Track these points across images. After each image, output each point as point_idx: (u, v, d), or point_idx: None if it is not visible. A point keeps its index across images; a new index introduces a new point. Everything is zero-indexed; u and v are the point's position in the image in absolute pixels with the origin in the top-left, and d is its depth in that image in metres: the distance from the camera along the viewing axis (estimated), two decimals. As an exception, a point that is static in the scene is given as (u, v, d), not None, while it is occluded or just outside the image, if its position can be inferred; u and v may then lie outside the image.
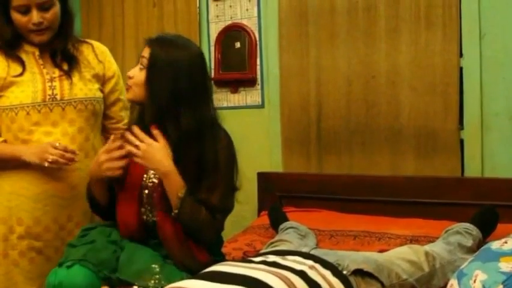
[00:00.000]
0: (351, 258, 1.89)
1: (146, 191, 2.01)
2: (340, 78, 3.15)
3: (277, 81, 3.33)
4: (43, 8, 2.13)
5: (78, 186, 2.23)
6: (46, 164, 2.08)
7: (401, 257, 2.02)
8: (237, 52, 3.44)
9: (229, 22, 3.47)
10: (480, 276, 1.69)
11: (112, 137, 2.02)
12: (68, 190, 2.23)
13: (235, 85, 3.48)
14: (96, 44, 2.41)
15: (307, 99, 3.24)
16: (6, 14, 2.15)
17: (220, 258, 2.04)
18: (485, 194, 2.71)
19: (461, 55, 2.89)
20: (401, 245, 2.38)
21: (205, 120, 1.94)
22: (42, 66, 2.22)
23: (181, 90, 1.90)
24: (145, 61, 1.95)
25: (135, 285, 1.81)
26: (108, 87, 2.37)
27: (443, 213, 2.73)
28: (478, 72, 2.84)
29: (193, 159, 1.92)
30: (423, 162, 2.98)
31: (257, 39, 3.40)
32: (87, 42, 2.38)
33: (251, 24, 3.41)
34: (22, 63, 2.20)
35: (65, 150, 2.10)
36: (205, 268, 1.72)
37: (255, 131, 3.42)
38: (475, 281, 1.69)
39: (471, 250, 2.19)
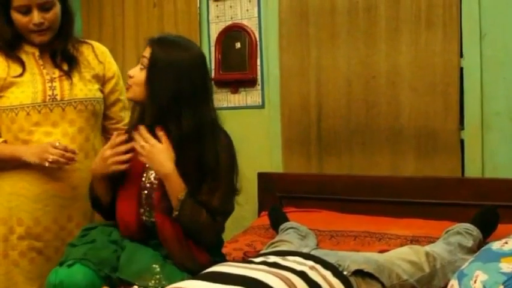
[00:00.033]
0: (351, 259, 1.89)
1: (145, 192, 2.02)
2: (341, 78, 3.15)
3: (278, 81, 3.32)
4: (44, 8, 2.13)
5: (78, 186, 2.24)
6: (46, 164, 2.08)
7: (401, 258, 2.02)
8: (237, 52, 3.43)
9: (230, 22, 3.47)
10: (481, 276, 1.69)
11: (116, 133, 2.04)
12: (68, 190, 2.23)
13: (235, 85, 3.47)
14: (96, 44, 2.41)
15: (307, 100, 3.24)
16: (6, 15, 2.15)
17: (221, 258, 2.04)
18: (485, 194, 2.71)
19: (461, 55, 2.89)
20: (401, 245, 2.38)
21: (205, 121, 1.94)
22: (42, 67, 2.22)
23: (182, 90, 1.90)
24: (146, 61, 1.95)
25: (136, 285, 1.81)
26: (108, 88, 2.37)
27: (443, 214, 2.73)
28: (479, 72, 2.84)
29: (194, 160, 1.92)
30: (423, 162, 2.97)
31: (257, 39, 3.39)
32: (87, 43, 2.38)
33: (251, 24, 3.41)
34: (22, 64, 2.20)
35: (65, 149, 2.10)
36: (205, 269, 1.72)
37: (255, 131, 3.42)
38: (475, 282, 1.69)
39: (471, 250, 2.19)
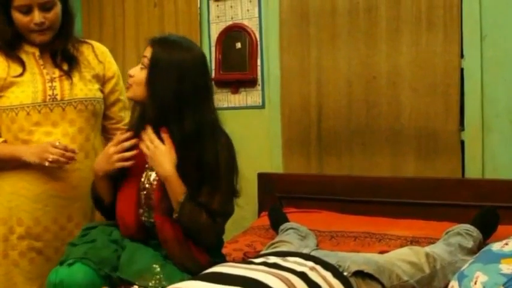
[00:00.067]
0: (351, 260, 1.89)
1: (144, 192, 2.02)
2: (341, 79, 3.15)
3: (278, 81, 3.32)
4: (45, 8, 2.13)
5: (78, 186, 2.24)
6: (47, 164, 2.08)
7: (402, 258, 2.02)
8: (238, 52, 3.43)
9: (230, 22, 3.47)
10: (481, 277, 1.69)
11: (119, 132, 2.07)
12: (68, 190, 2.23)
13: (235, 85, 3.47)
14: (96, 44, 2.41)
15: (307, 100, 3.24)
16: (6, 14, 2.15)
17: (221, 259, 2.04)
18: (485, 195, 2.71)
19: (462, 56, 2.89)
20: (401, 246, 2.38)
21: (206, 122, 1.94)
22: (42, 67, 2.22)
23: (183, 91, 1.90)
24: (146, 61, 1.95)
25: (136, 284, 1.81)
26: (108, 88, 2.37)
27: (443, 215, 2.73)
28: (479, 73, 2.84)
29: (194, 161, 1.92)
30: (424, 163, 2.97)
31: (258, 39, 3.39)
32: (87, 43, 2.38)
33: (252, 24, 3.41)
34: (22, 64, 2.20)
35: (65, 149, 2.10)
36: (205, 269, 1.72)
37: (255, 131, 3.42)
38: (475, 283, 1.69)
39: (472, 251, 2.19)
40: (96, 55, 2.36)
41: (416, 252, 2.08)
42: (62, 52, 2.25)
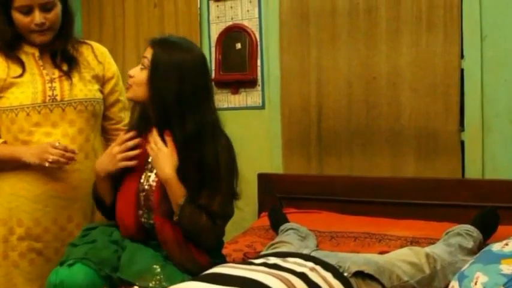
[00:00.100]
0: (351, 260, 1.89)
1: (143, 194, 2.02)
2: (341, 79, 3.15)
3: (278, 82, 3.32)
4: (45, 8, 2.13)
5: (78, 187, 2.23)
6: (47, 164, 2.08)
7: (402, 259, 2.02)
8: (238, 53, 3.43)
9: (230, 23, 3.47)
10: (481, 278, 1.69)
11: (122, 132, 2.08)
12: (68, 191, 2.23)
13: (235, 86, 3.47)
14: (95, 45, 2.41)
15: (307, 101, 3.24)
16: (6, 15, 2.15)
17: (221, 260, 2.04)
18: (486, 195, 2.71)
19: (462, 56, 2.89)
20: (401, 246, 2.38)
21: (206, 123, 1.94)
22: (42, 67, 2.22)
23: (184, 92, 1.90)
24: (146, 61, 1.95)
25: (136, 285, 1.81)
26: (107, 88, 2.37)
27: (443, 215, 2.73)
28: (479, 74, 2.84)
29: (194, 161, 1.92)
30: (424, 163, 2.97)
31: (258, 40, 3.39)
32: (86, 43, 2.38)
33: (252, 25, 3.41)
34: (22, 65, 2.20)
35: (65, 149, 2.10)
36: (205, 270, 1.72)
37: (255, 132, 3.41)
38: (476, 283, 1.69)
39: (472, 252, 2.19)
40: (96, 56, 2.36)
41: (417, 253, 2.08)
42: (61, 53, 2.25)
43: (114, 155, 2.00)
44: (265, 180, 3.25)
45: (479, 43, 2.83)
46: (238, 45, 3.43)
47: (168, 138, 1.93)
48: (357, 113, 3.12)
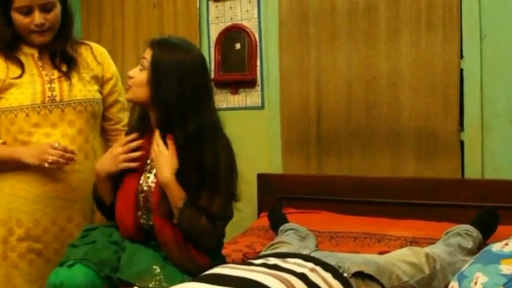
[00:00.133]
0: (351, 261, 1.89)
1: (142, 195, 2.02)
2: (341, 79, 3.15)
3: (277, 82, 3.32)
4: (45, 9, 2.13)
5: (77, 187, 2.23)
6: (46, 165, 2.08)
7: (401, 259, 2.02)
8: (237, 53, 3.43)
9: (230, 23, 3.46)
10: (481, 278, 1.69)
11: (123, 133, 2.09)
12: (67, 191, 2.23)
13: (235, 86, 3.47)
14: (94, 45, 2.41)
15: (307, 101, 3.24)
16: (5, 15, 2.14)
17: (220, 260, 2.03)
18: (485, 195, 2.71)
19: (461, 56, 2.89)
20: (401, 246, 2.38)
21: (207, 124, 1.94)
22: (41, 68, 2.21)
23: (185, 93, 1.90)
24: (145, 62, 1.95)
25: (136, 285, 1.81)
26: (106, 89, 2.37)
27: (443, 215, 2.73)
28: (479, 74, 2.84)
29: (195, 163, 1.92)
30: (423, 163, 2.97)
31: (257, 40, 3.39)
32: (85, 44, 2.38)
33: (251, 25, 3.41)
34: (21, 65, 2.20)
35: (65, 150, 2.10)
36: (205, 270, 1.72)
37: (254, 132, 3.41)
38: (475, 283, 1.69)
39: (471, 252, 2.18)
40: (95, 56, 2.36)
41: (416, 253, 2.08)
42: (60, 53, 2.25)
43: (116, 156, 2.00)
44: (264, 181, 3.25)
45: (478, 43, 2.83)
46: (238, 46, 3.43)
47: (169, 142, 1.93)
48: (356, 113, 3.11)
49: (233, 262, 2.20)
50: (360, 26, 3.09)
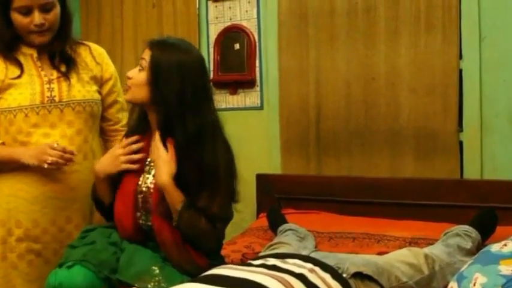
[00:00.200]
0: (350, 261, 1.89)
1: (141, 196, 2.01)
2: (340, 79, 3.15)
3: (277, 82, 3.32)
4: (45, 9, 2.13)
5: (76, 188, 2.23)
6: (45, 166, 2.08)
7: (400, 260, 2.02)
8: (236, 53, 3.43)
9: (229, 23, 3.46)
10: (480, 279, 1.69)
11: (122, 134, 2.10)
12: (66, 192, 2.22)
13: (234, 86, 3.47)
14: (93, 46, 2.41)
15: (306, 101, 3.24)
16: (4, 16, 2.14)
17: (219, 261, 2.03)
18: (484, 196, 2.71)
19: (461, 57, 2.89)
20: (400, 247, 2.38)
21: (206, 124, 1.94)
22: (40, 69, 2.21)
23: (185, 93, 1.90)
24: (144, 63, 1.95)
25: (135, 286, 1.81)
26: (105, 89, 2.37)
27: (442, 216, 2.73)
28: (478, 74, 2.84)
29: (194, 163, 1.92)
30: (422, 164, 2.97)
31: (256, 40, 3.39)
32: (84, 44, 2.38)
33: (250, 25, 3.41)
34: (20, 66, 2.20)
35: (64, 150, 2.10)
36: (204, 271, 1.72)
37: (254, 132, 3.41)
38: (474, 284, 1.69)
39: (470, 252, 2.19)
40: (94, 57, 2.36)
41: (415, 253, 2.08)
42: (59, 54, 2.25)
43: (116, 157, 2.00)
44: (263, 181, 3.25)
45: (477, 44, 2.84)
46: (237, 46, 3.43)
47: (169, 146, 1.92)
48: (355, 114, 3.12)
49: (232, 263, 2.20)
50: (359, 26, 3.09)
